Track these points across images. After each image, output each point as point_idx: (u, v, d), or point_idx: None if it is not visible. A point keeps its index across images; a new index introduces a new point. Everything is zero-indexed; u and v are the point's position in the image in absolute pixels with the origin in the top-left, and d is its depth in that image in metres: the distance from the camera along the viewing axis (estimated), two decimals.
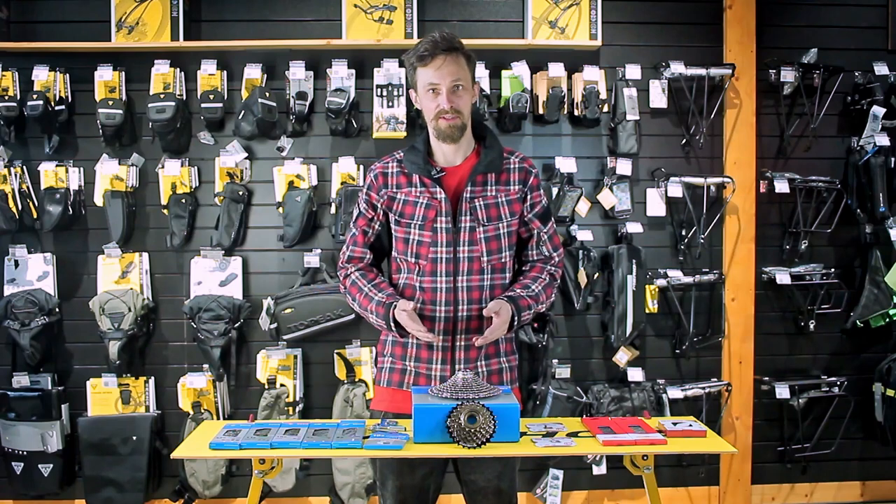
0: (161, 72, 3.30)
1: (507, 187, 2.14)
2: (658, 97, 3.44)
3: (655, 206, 3.47)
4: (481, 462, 2.09)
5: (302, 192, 3.28)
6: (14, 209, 3.22)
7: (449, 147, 2.12)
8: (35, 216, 3.29)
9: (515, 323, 2.07)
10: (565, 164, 3.34)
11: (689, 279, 3.42)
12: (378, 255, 2.24)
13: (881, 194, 3.43)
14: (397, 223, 2.15)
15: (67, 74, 3.31)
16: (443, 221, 2.10)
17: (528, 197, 2.17)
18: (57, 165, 3.28)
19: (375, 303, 2.10)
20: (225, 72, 3.35)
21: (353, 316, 3.25)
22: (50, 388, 3.28)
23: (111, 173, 3.28)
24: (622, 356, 3.44)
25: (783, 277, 3.43)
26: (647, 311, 3.41)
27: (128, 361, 3.28)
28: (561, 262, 2.23)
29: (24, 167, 3.30)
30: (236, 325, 3.27)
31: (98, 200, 3.30)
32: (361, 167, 3.33)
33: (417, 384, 2.11)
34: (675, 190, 3.40)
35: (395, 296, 2.11)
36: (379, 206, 2.17)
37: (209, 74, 3.31)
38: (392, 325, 2.06)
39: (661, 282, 3.41)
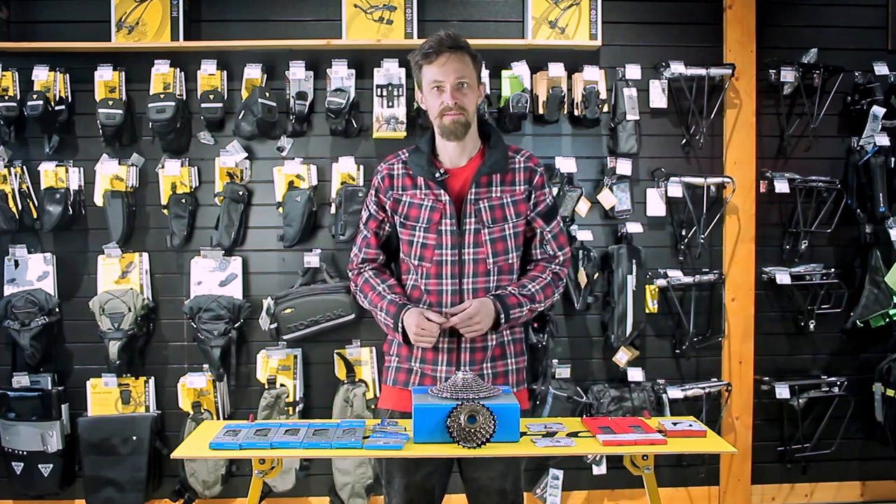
0: (161, 72, 3.29)
1: (512, 187, 2.13)
2: (658, 97, 3.44)
3: (655, 206, 3.47)
4: (485, 460, 2.08)
5: (302, 192, 3.28)
6: (14, 209, 3.22)
7: (454, 147, 2.11)
8: (35, 216, 3.29)
9: (503, 320, 2.06)
10: (565, 164, 3.34)
11: (689, 279, 3.42)
12: (389, 256, 2.24)
13: (881, 194, 3.42)
14: (402, 225, 2.15)
15: (67, 74, 3.31)
16: (447, 224, 2.09)
17: (533, 196, 2.15)
18: (57, 165, 3.28)
19: (388, 301, 2.10)
20: (225, 72, 3.35)
21: (353, 316, 3.25)
22: (50, 388, 3.28)
23: (111, 173, 3.28)
24: (622, 356, 3.44)
25: (783, 277, 3.42)
26: (647, 311, 3.41)
27: (128, 361, 3.28)
28: (567, 261, 2.21)
29: (24, 167, 3.30)
30: (236, 325, 3.27)
31: (98, 200, 3.30)
32: (361, 167, 3.33)
33: (423, 385, 2.10)
34: (675, 190, 3.40)
35: (409, 302, 2.10)
36: (388, 206, 2.17)
37: (209, 74, 3.31)
38: (400, 326, 2.06)
39: (661, 282, 3.40)
